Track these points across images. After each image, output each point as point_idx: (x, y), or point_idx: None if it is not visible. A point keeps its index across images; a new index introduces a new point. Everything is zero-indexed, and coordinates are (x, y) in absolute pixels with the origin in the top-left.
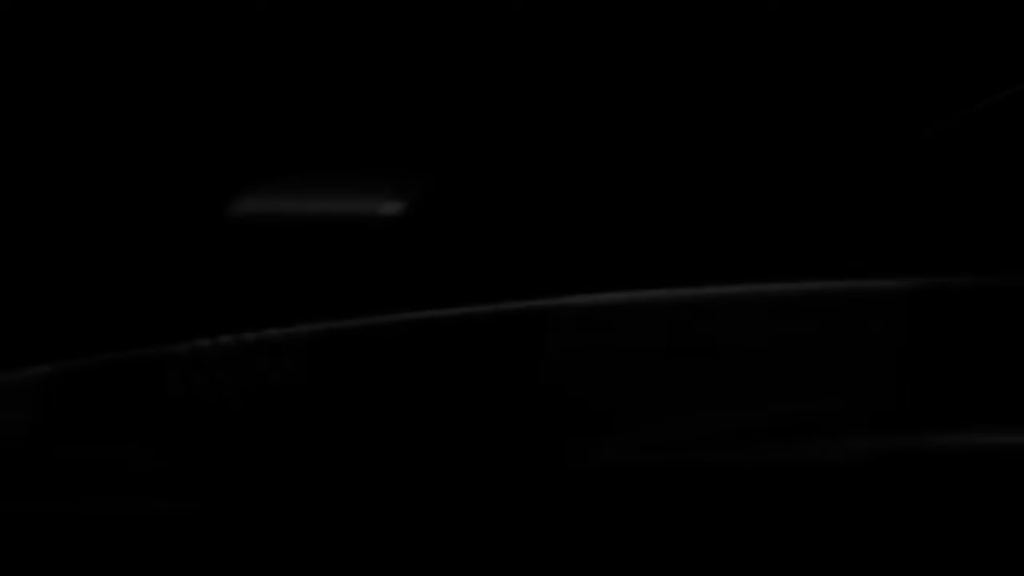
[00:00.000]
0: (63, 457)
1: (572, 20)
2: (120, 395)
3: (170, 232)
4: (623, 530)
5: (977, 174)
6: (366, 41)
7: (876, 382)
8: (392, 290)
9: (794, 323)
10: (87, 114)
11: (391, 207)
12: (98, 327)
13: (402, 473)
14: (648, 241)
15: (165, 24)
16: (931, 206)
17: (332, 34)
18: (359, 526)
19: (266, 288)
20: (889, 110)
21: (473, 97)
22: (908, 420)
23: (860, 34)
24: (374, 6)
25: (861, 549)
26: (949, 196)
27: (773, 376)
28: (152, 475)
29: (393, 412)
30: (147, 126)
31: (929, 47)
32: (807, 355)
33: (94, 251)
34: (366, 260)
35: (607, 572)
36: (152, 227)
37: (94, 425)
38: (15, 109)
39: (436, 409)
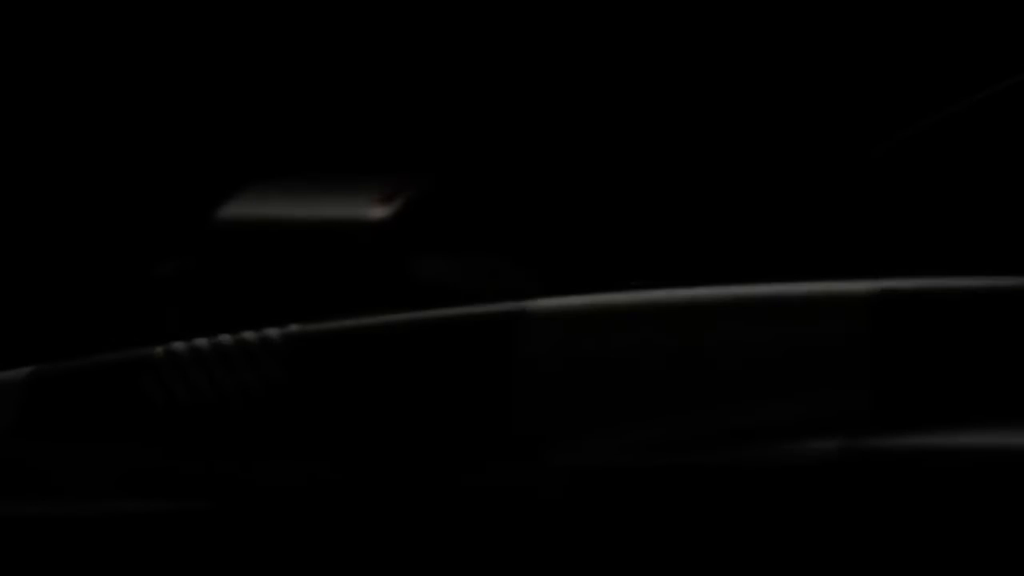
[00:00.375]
0: (40, 459)
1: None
2: (97, 398)
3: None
4: (597, 530)
5: (940, 177)
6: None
7: (842, 384)
8: (377, 294)
9: (759, 326)
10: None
11: (378, 212)
12: (76, 329)
13: (379, 474)
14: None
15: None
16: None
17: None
18: (336, 527)
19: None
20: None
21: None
22: (876, 422)
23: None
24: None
25: (829, 549)
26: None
27: (740, 379)
28: (130, 476)
29: (369, 413)
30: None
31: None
32: (772, 358)
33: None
34: (350, 264)
35: (583, 571)
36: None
37: (71, 427)
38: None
39: (412, 410)
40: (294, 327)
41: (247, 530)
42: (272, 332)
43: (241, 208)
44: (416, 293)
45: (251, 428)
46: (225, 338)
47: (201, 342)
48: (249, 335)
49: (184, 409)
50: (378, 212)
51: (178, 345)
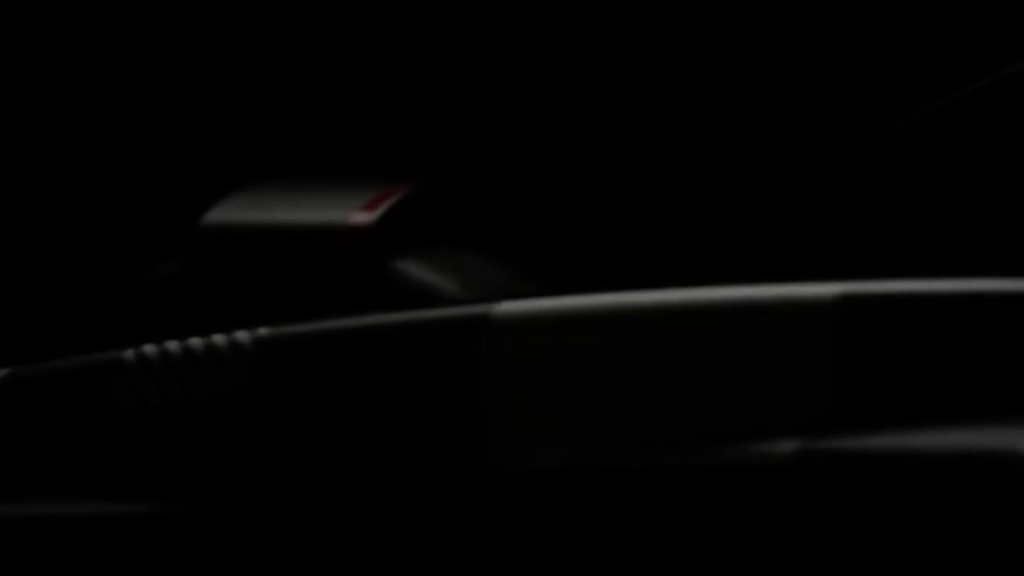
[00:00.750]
0: (9, 461)
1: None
2: (68, 401)
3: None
4: (558, 531)
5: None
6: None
7: (804, 386)
8: (361, 297)
9: (723, 329)
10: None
11: (363, 216)
12: (65, 332)
13: (347, 477)
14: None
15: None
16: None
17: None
18: (308, 528)
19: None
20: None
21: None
22: (836, 423)
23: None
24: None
25: (787, 549)
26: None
27: (702, 381)
28: (100, 479)
29: (335, 416)
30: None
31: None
32: (735, 360)
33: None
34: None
35: (551, 570)
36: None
37: (42, 430)
38: None
39: (377, 412)
40: (263, 330)
41: (217, 531)
42: (241, 335)
43: (226, 212)
44: (401, 296)
45: (221, 430)
46: (195, 341)
47: (172, 345)
48: (219, 338)
49: (155, 412)
50: (363, 216)
51: (149, 348)
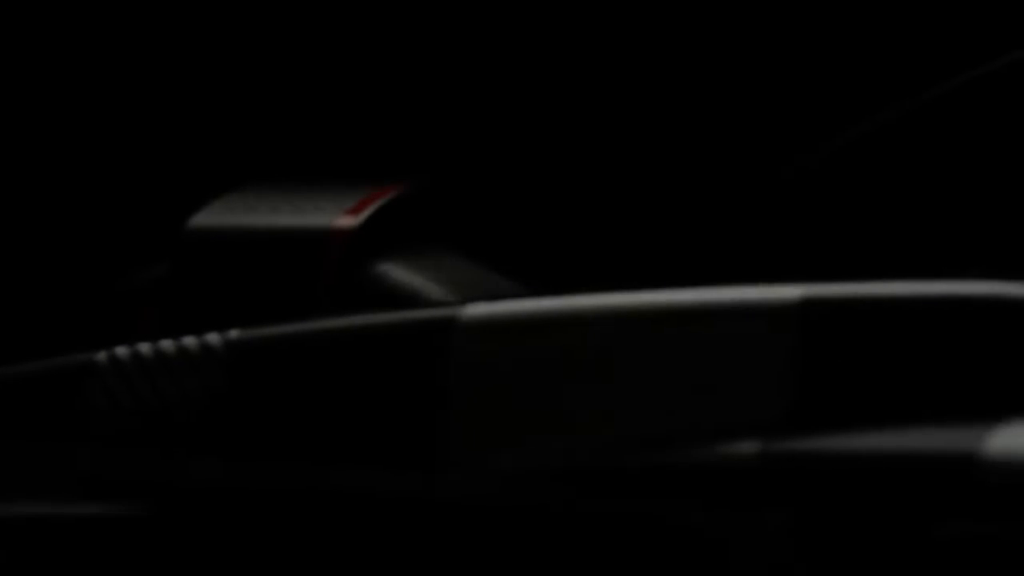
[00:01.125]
0: None
1: None
2: (39, 403)
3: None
4: (523, 532)
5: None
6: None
7: (764, 388)
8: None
9: (685, 331)
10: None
11: (347, 220)
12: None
13: (318, 478)
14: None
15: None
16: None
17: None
18: (276, 531)
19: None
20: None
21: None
22: (796, 425)
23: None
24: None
25: (748, 550)
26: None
27: (664, 383)
28: (70, 481)
29: (307, 419)
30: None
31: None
32: (697, 361)
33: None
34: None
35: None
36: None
37: (11, 432)
38: None
39: (348, 415)
40: (234, 332)
41: (185, 536)
42: (213, 337)
43: (212, 216)
44: (386, 300)
45: (193, 432)
46: (167, 344)
47: (144, 347)
48: (190, 341)
49: (127, 414)
50: (348, 220)
51: (121, 350)
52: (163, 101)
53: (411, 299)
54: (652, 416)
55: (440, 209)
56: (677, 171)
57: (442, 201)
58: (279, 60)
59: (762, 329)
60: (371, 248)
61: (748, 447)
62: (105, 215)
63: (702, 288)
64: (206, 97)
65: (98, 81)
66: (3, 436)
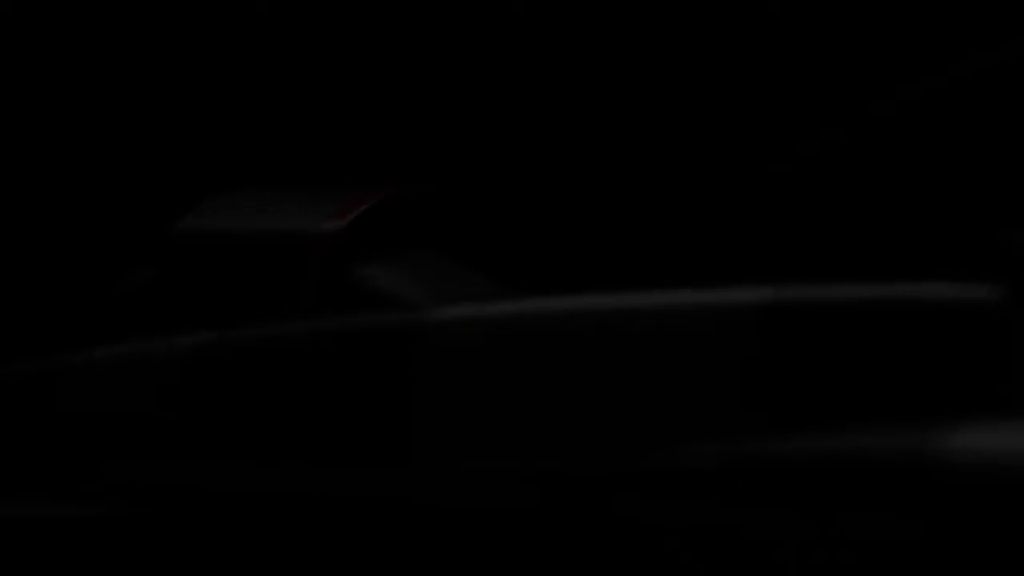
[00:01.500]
0: None
1: None
2: (7, 404)
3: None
4: (491, 534)
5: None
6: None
7: (726, 390)
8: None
9: (647, 334)
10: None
11: (332, 223)
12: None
13: (286, 479)
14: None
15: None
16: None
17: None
18: (245, 531)
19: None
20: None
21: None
22: (757, 428)
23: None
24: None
25: (709, 550)
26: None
27: (627, 386)
28: (36, 482)
29: (271, 424)
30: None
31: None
32: (658, 364)
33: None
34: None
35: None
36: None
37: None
38: None
39: (313, 419)
40: (203, 334)
41: (147, 535)
42: (181, 340)
43: (199, 220)
44: (371, 303)
45: (163, 434)
46: (136, 345)
47: (115, 348)
48: (160, 343)
49: (97, 416)
50: (333, 223)
51: (94, 352)
52: (147, 102)
53: (396, 302)
54: (619, 419)
55: (426, 213)
56: (664, 169)
57: (428, 205)
58: (267, 66)
59: (724, 332)
60: (356, 251)
61: (708, 450)
62: (90, 219)
63: (670, 291)
64: (192, 100)
65: (83, 84)
66: None
